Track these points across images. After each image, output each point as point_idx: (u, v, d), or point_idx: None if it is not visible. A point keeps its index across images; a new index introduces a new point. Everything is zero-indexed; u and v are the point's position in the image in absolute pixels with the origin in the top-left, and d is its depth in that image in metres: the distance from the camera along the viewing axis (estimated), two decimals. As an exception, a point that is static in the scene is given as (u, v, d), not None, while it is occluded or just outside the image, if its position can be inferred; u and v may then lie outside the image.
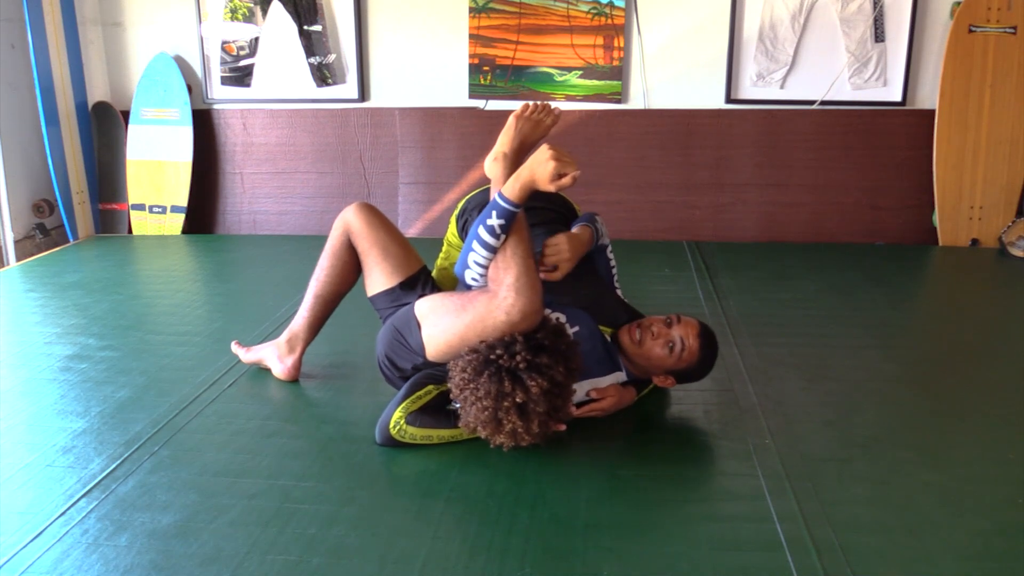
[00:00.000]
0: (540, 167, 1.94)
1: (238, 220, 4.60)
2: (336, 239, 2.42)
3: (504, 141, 2.33)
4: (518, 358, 1.87)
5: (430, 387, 2.08)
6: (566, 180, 1.94)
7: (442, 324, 2.05)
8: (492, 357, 1.89)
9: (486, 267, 2.01)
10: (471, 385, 1.91)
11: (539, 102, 2.35)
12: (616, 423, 2.22)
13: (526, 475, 1.97)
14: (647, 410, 2.31)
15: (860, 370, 2.60)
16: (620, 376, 2.22)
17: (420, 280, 2.33)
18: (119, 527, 1.75)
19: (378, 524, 1.78)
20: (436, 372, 2.10)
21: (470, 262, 2.02)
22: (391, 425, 2.06)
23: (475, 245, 2.00)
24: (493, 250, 1.99)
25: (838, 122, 4.24)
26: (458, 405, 2.00)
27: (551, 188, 1.95)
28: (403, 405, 2.06)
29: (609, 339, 2.20)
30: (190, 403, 2.36)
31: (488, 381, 1.88)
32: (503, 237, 1.97)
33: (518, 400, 1.86)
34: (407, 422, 2.06)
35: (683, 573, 1.61)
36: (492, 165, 2.28)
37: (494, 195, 2.01)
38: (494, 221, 1.97)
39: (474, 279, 2.05)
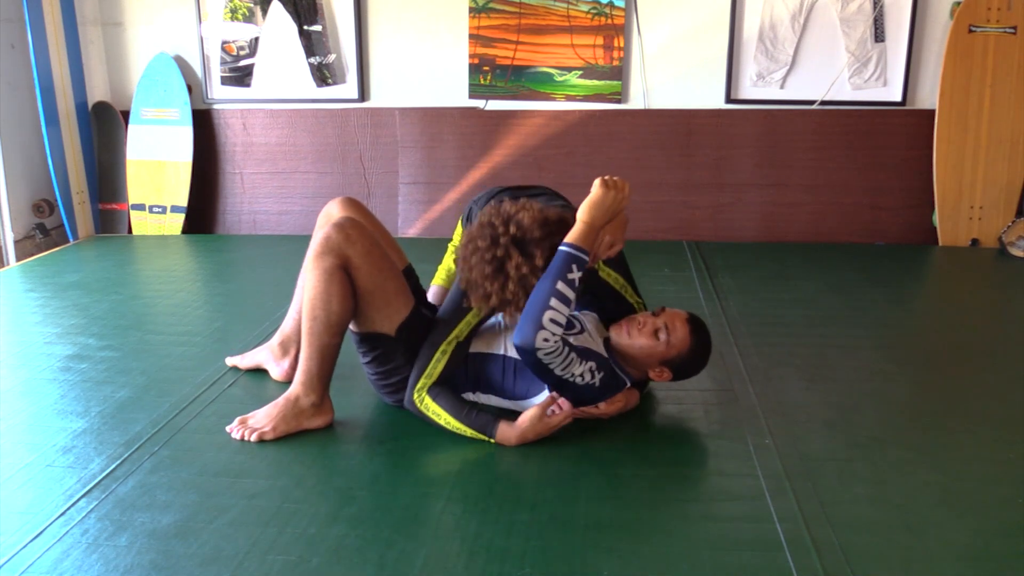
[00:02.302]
0: (608, 206, 2.01)
1: (238, 220, 4.60)
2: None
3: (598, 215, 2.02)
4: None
5: (443, 346, 2.14)
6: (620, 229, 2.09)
7: (362, 309, 2.14)
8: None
9: (563, 322, 1.95)
10: (470, 245, 2.01)
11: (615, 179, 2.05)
12: (616, 423, 2.22)
13: (526, 475, 1.97)
14: (647, 410, 2.31)
15: (860, 370, 2.60)
16: (626, 386, 2.22)
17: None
18: (119, 527, 1.75)
19: (378, 524, 1.78)
20: (446, 329, 2.16)
21: (544, 320, 1.92)
22: (416, 390, 2.14)
23: (553, 301, 1.92)
24: (569, 303, 1.94)
25: (838, 122, 4.24)
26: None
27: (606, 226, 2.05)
28: (426, 372, 2.14)
29: (605, 353, 2.19)
30: (190, 403, 2.36)
31: (481, 233, 2.00)
32: (578, 288, 1.96)
33: (513, 231, 1.96)
34: (428, 393, 2.12)
35: (683, 573, 1.61)
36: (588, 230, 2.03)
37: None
38: (575, 275, 1.94)
39: (546, 340, 1.94)
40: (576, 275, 1.94)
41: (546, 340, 1.93)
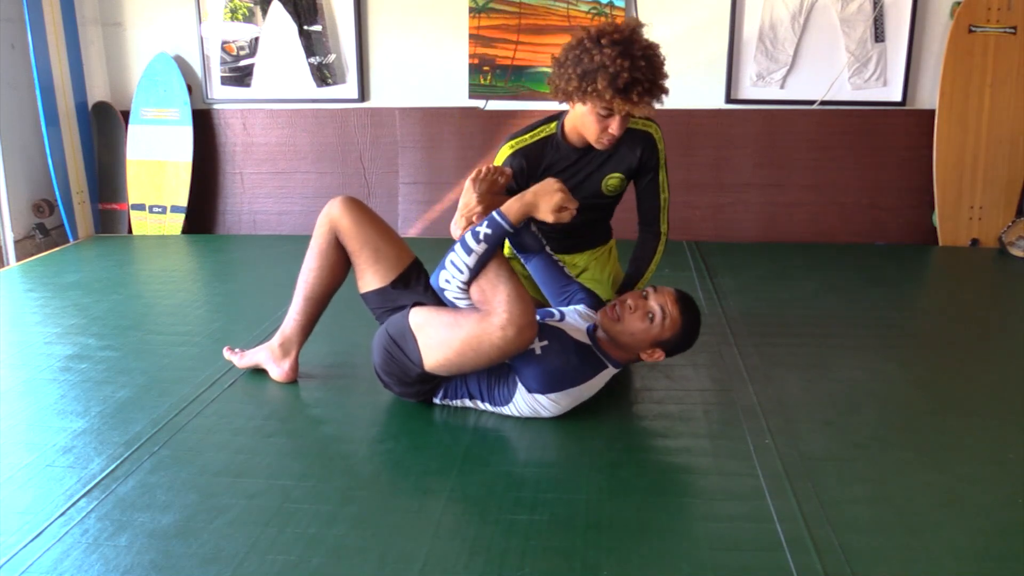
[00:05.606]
0: (545, 196, 2.08)
1: (238, 220, 4.60)
2: (322, 238, 2.37)
3: (465, 204, 2.25)
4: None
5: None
6: (566, 215, 2.08)
7: (437, 337, 2.11)
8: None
9: (462, 271, 2.08)
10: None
11: (491, 165, 2.25)
12: (616, 422, 2.22)
13: (526, 475, 1.97)
14: (647, 411, 2.31)
15: (860, 370, 2.60)
16: (608, 372, 2.22)
17: (412, 276, 2.34)
18: (119, 527, 1.75)
19: (378, 524, 1.78)
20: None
21: (446, 262, 2.12)
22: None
23: (456, 247, 2.10)
24: (470, 253, 2.07)
25: (838, 122, 4.24)
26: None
27: (550, 218, 2.08)
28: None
29: (588, 339, 2.20)
30: (190, 403, 2.36)
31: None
32: (484, 246, 2.06)
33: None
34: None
35: (683, 573, 1.61)
36: (456, 228, 2.25)
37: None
38: (483, 228, 2.07)
39: (447, 281, 2.12)
40: (485, 230, 2.08)
41: (448, 281, 2.11)
